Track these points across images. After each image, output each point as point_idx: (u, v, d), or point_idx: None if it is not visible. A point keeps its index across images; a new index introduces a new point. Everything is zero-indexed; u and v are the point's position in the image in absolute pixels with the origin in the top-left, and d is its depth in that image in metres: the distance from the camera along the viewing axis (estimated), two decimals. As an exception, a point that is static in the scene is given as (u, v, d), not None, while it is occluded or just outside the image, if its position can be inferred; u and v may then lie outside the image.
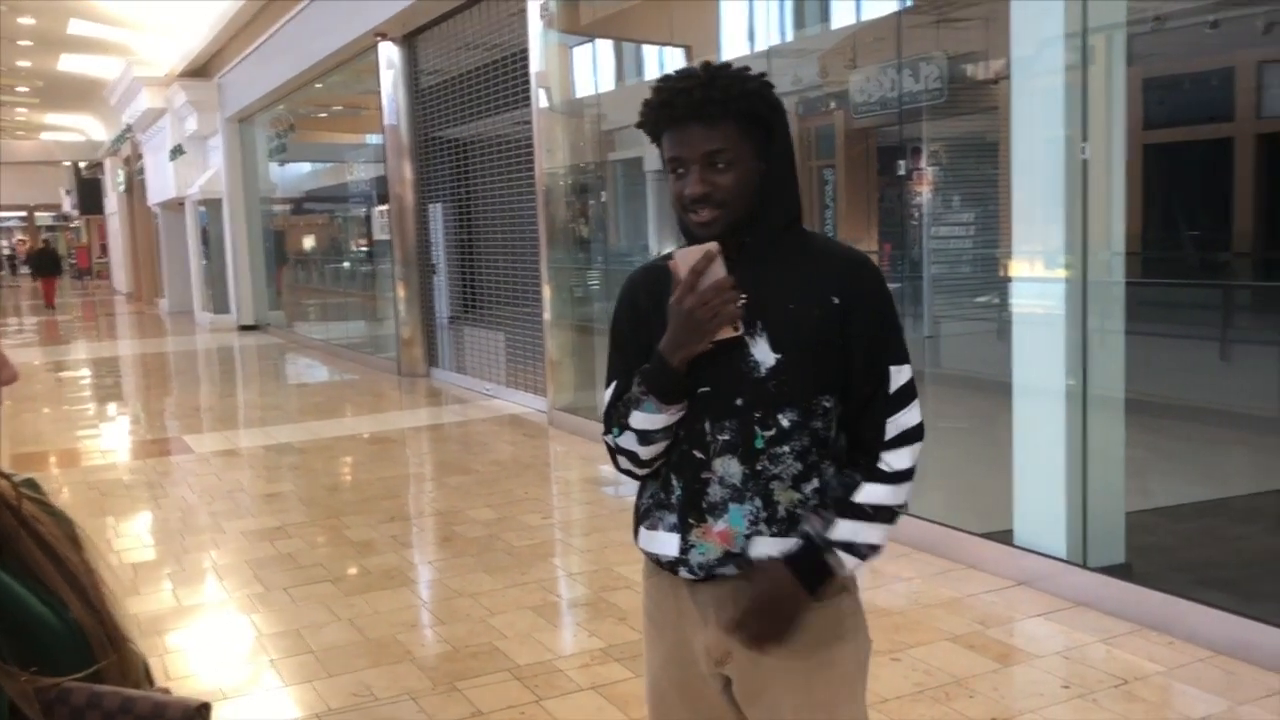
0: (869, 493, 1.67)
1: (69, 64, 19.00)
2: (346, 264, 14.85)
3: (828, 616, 1.72)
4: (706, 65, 1.64)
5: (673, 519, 1.71)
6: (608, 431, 1.75)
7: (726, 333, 1.61)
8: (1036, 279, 4.48)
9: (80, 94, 22.36)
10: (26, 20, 15.35)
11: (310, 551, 5.25)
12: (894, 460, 1.68)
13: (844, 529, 1.65)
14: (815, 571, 1.65)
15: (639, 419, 1.68)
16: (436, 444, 8.26)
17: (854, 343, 1.66)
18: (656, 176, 8.58)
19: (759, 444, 1.65)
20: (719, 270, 1.59)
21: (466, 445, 7.97)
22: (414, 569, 5.04)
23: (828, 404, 1.67)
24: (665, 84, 1.65)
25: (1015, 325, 4.61)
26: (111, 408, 10.94)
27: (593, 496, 6.42)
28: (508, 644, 3.95)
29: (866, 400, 1.68)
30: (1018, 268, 4.63)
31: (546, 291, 8.34)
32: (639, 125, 1.70)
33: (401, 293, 11.17)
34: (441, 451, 7.97)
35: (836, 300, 1.65)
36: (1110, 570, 4.14)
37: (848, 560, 1.66)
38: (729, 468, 1.67)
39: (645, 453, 1.72)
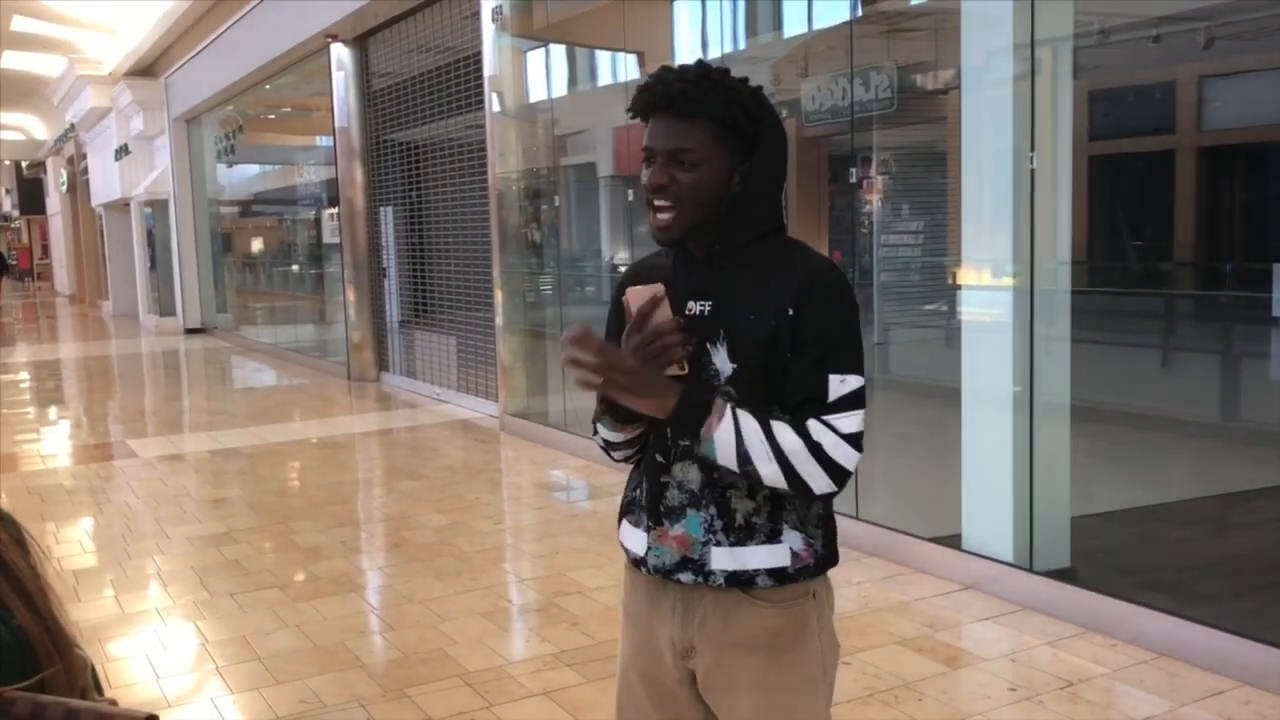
0: (780, 425, 1.58)
1: (10, 61, 18.61)
2: (295, 267, 14.68)
3: (792, 619, 1.71)
4: (702, 65, 1.65)
5: (644, 518, 1.75)
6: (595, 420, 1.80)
7: (673, 370, 1.60)
8: (985, 287, 4.54)
9: (22, 92, 21.89)
10: (-33, 16, 15.04)
11: (257, 557, 5.18)
12: (815, 434, 1.58)
13: (745, 418, 1.57)
14: (696, 407, 1.57)
15: (603, 430, 1.75)
16: (386, 449, 8.19)
17: (800, 351, 1.61)
18: (609, 182, 8.59)
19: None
20: (665, 312, 1.58)
21: (417, 450, 7.91)
22: (363, 575, 4.99)
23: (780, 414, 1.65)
24: (656, 74, 1.66)
25: (964, 332, 4.67)
26: (53, 411, 10.72)
27: (544, 502, 6.40)
28: (458, 650, 3.93)
29: (799, 405, 1.61)
30: (966, 275, 4.68)
31: (499, 296, 8.31)
32: (628, 109, 1.71)
33: (352, 296, 11.07)
34: (392, 456, 7.90)
35: (791, 311, 1.61)
36: (1055, 574, 4.20)
37: (721, 433, 1.56)
38: (688, 473, 1.68)
39: (617, 455, 1.80)
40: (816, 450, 1.58)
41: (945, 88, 7.55)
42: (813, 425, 1.59)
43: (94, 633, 4.23)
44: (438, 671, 3.73)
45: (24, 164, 31.55)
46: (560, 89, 8.28)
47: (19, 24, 15.66)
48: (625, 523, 1.81)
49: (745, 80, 1.66)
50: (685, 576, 1.68)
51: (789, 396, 1.62)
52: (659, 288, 1.59)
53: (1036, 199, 4.23)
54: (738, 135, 1.63)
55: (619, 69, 8.13)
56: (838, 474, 1.59)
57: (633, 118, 1.70)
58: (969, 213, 4.58)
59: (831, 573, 1.77)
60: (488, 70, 8.13)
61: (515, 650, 4.00)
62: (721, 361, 1.64)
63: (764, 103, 1.66)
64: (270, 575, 4.90)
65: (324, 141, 12.16)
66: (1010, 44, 4.26)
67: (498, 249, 8.26)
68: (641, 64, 7.51)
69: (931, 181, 8.67)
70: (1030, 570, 4.24)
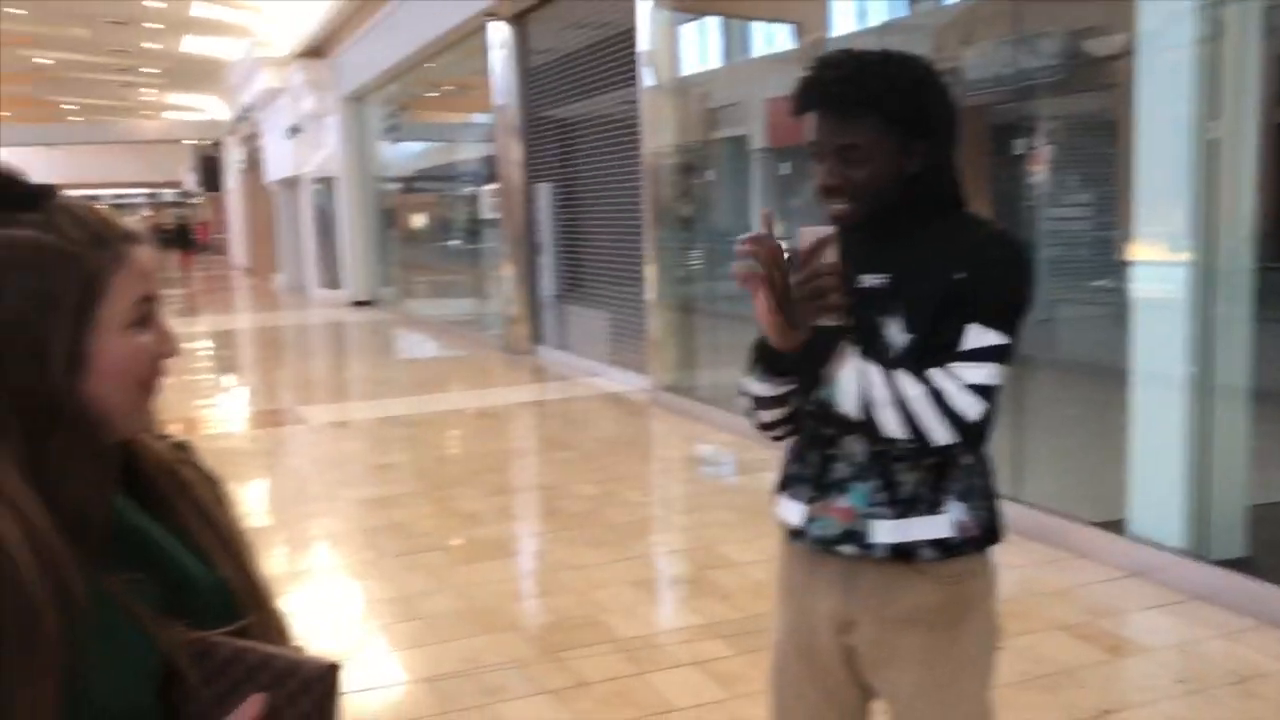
0: (901, 373, 1.57)
1: (192, 45, 19.67)
2: (455, 242, 15.11)
3: (956, 595, 1.69)
4: (860, 55, 1.59)
5: (806, 490, 1.73)
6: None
7: (828, 320, 1.57)
8: (1158, 262, 4.33)
9: (202, 74, 23.14)
10: (153, 3, 15.95)
11: (420, 521, 5.39)
12: (935, 380, 1.56)
13: (869, 365, 1.58)
14: (824, 342, 1.58)
15: (751, 383, 1.74)
16: (541, 420, 8.38)
17: (956, 309, 1.58)
18: (762, 155, 8.54)
19: None
20: (831, 255, 1.56)
21: (569, 422, 8.07)
22: (519, 540, 5.14)
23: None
24: (812, 67, 1.61)
25: (1134, 310, 4.47)
26: (229, 378, 11.36)
27: (693, 476, 6.45)
28: (610, 617, 4.01)
29: (932, 351, 1.58)
30: (1138, 251, 4.48)
31: (650, 271, 8.37)
32: (791, 107, 1.67)
33: (508, 271, 11.33)
34: (545, 427, 8.09)
35: (960, 276, 1.59)
36: (1231, 563, 4.01)
37: (845, 374, 1.57)
38: (854, 445, 1.66)
39: (764, 416, 1.77)
40: (936, 397, 1.55)
41: (1117, 53, 7.21)
42: (934, 373, 1.57)
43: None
44: (590, 637, 3.82)
45: (205, 143, 33.34)
46: (714, 61, 8.26)
47: (198, 10, 16.53)
48: (782, 496, 1.80)
49: (908, 62, 1.61)
50: (847, 549, 1.67)
51: (926, 344, 1.60)
52: (830, 230, 1.56)
53: (1217, 170, 4.01)
54: (904, 122, 1.59)
55: (773, 39, 8.06)
56: (959, 424, 1.55)
57: (794, 114, 1.66)
58: (1142, 185, 4.37)
59: (990, 554, 1.74)
60: (641, 45, 8.16)
61: (666, 620, 4.06)
62: (896, 335, 1.62)
63: (930, 85, 1.61)
64: (431, 538, 5.10)
65: (483, 119, 12.44)
66: (1192, 4, 4.03)
67: (650, 223, 8.32)
68: (798, 34, 7.41)
69: (1101, 152, 8.30)
70: (1203, 559, 4.05)
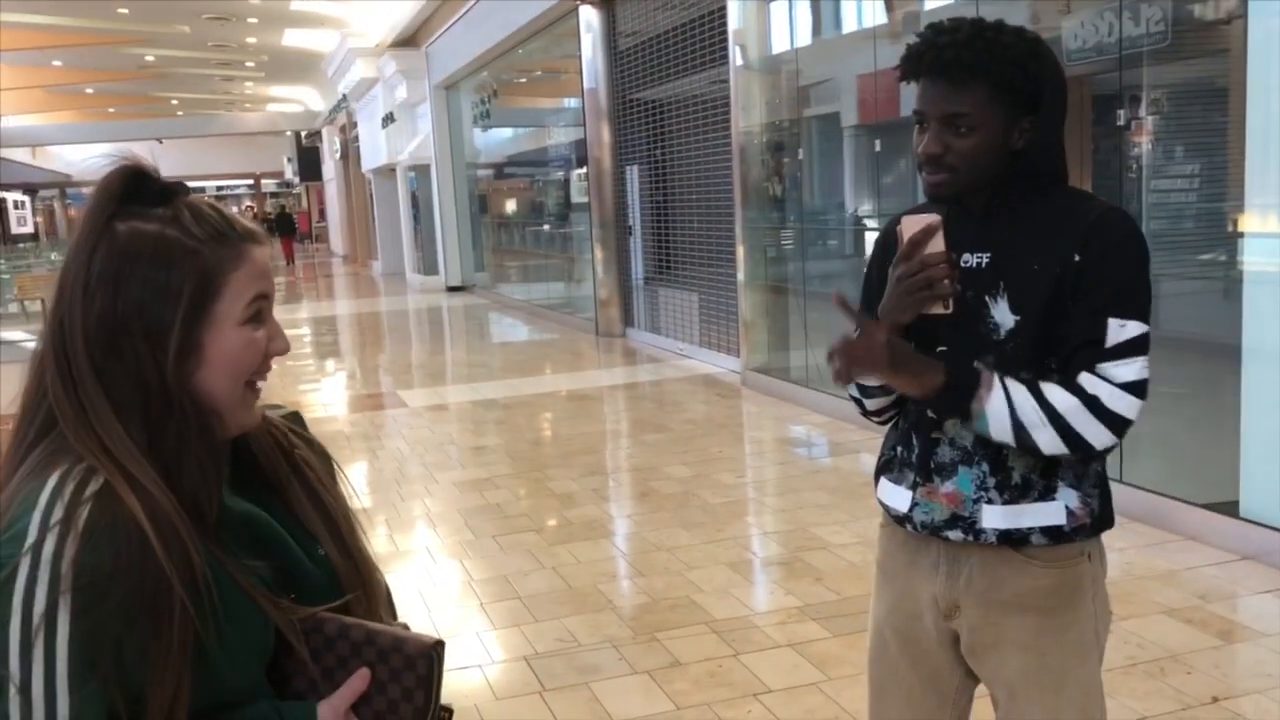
0: (1051, 387, 1.55)
1: (292, 39, 20.12)
2: (546, 226, 15.22)
3: (1065, 580, 1.66)
4: (974, 22, 1.56)
5: (911, 475, 1.71)
6: None
7: (936, 308, 1.56)
8: (1272, 234, 4.17)
9: (301, 67, 23.66)
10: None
11: (516, 502, 5.47)
12: (1089, 388, 1.54)
13: (1015, 388, 1.55)
14: (962, 384, 1.55)
15: (854, 389, 1.75)
16: (632, 402, 8.42)
17: (1081, 296, 1.55)
18: (853, 132, 8.40)
19: None
20: (938, 244, 1.54)
21: (661, 404, 8.09)
22: (613, 522, 5.18)
23: (1054, 367, 1.60)
24: (926, 33, 1.58)
25: (1246, 284, 4.31)
26: (331, 363, 11.65)
27: (786, 457, 6.42)
28: (705, 598, 4.02)
29: (1075, 352, 1.56)
30: (1250, 222, 4.31)
31: (740, 252, 8.33)
32: (897, 68, 1.64)
33: (599, 254, 11.39)
34: (637, 409, 8.12)
35: (1076, 257, 1.56)
36: (1350, 547, 3.85)
37: (993, 405, 1.54)
38: (960, 429, 1.64)
39: (870, 404, 1.78)
40: (1093, 404, 1.53)
41: (1227, 17, 6.92)
42: (1085, 379, 1.54)
43: (373, 567, 4.60)
44: (685, 618, 3.84)
45: (303, 134, 34.10)
46: (804, 38, 8.15)
47: (298, 3, 16.89)
48: (884, 480, 1.79)
49: (1022, 32, 1.58)
50: (954, 534, 1.65)
51: (1064, 343, 1.57)
52: (935, 218, 1.55)
53: (1336, 136, 3.84)
54: (1014, 94, 1.55)
55: (864, 14, 7.91)
56: (1117, 425, 1.54)
57: (902, 80, 1.63)
58: (1254, 153, 4.20)
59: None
60: (731, 24, 8.11)
61: (760, 601, 4.06)
62: (1002, 314, 1.59)
63: (1042, 57, 1.58)
64: (527, 519, 5.17)
65: (572, 103, 12.50)
66: (1307, -36, 3.85)
67: (740, 204, 8.27)
68: (889, 8, 7.28)
69: (1209, 121, 7.98)
70: (1320, 542, 3.90)
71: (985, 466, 1.63)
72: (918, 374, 1.57)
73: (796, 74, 8.10)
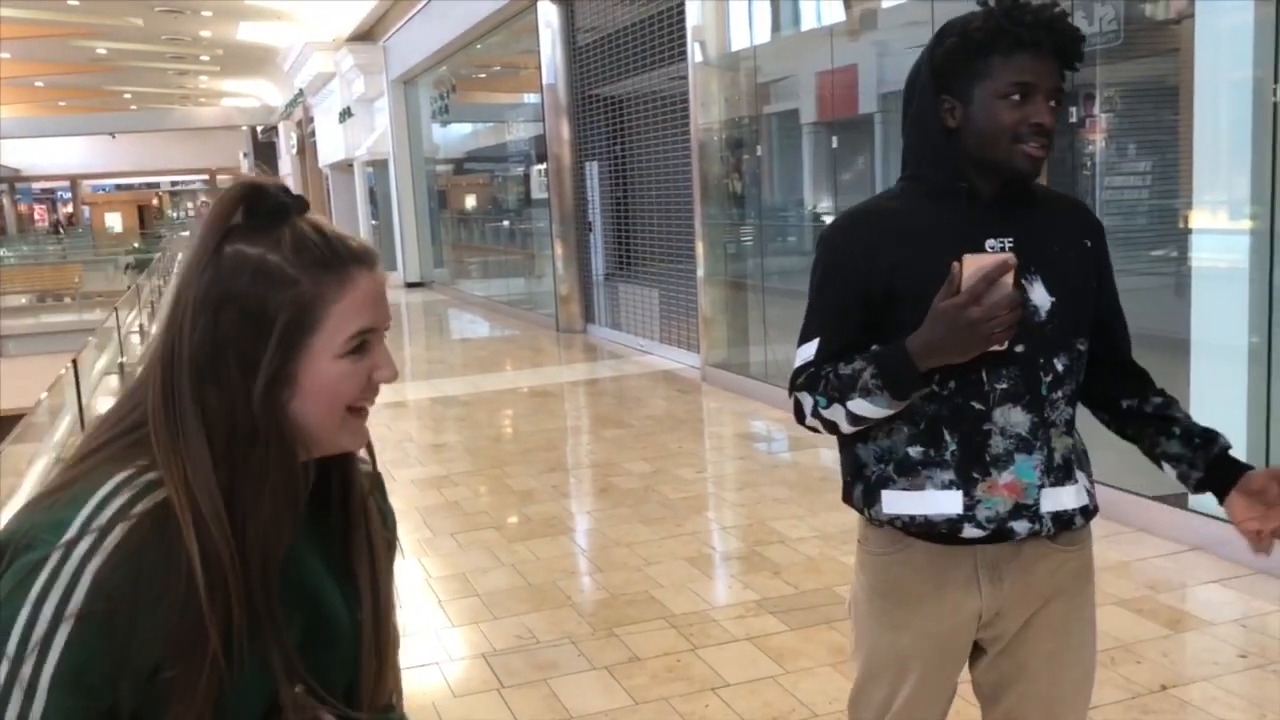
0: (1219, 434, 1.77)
1: (247, 33, 19.90)
2: (506, 222, 15.17)
3: (1085, 560, 1.73)
4: (1054, 2, 1.62)
5: (947, 475, 1.61)
6: (804, 391, 1.64)
7: (994, 348, 1.53)
8: (1219, 230, 4.25)
9: (257, 61, 23.42)
10: (208, -8, 16.16)
11: (475, 499, 5.45)
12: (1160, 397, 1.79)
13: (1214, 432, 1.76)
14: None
15: (862, 406, 1.58)
16: (593, 398, 8.42)
17: (1104, 284, 1.73)
18: (812, 129, 8.45)
19: (1043, 390, 1.61)
20: (1008, 283, 1.48)
21: (621, 400, 8.10)
22: (572, 518, 5.18)
23: (1082, 347, 1.67)
24: (1029, 6, 1.56)
25: (1194, 280, 4.39)
26: (289, 361, 11.53)
27: (745, 452, 6.45)
28: (664, 593, 4.03)
29: (1123, 337, 1.77)
30: (1199, 219, 4.39)
31: (700, 248, 8.35)
32: (956, 41, 1.58)
33: (559, 250, 11.37)
34: (598, 405, 8.12)
35: (1089, 243, 1.70)
36: (1295, 537, 3.92)
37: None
38: (1010, 417, 1.60)
39: (849, 430, 1.64)
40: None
41: (1178, 17, 7.03)
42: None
43: (330, 565, 4.57)
44: (644, 613, 3.85)
45: (259, 129, 33.79)
46: (763, 35, 8.18)
47: (253, -3, 16.72)
48: (898, 491, 1.64)
49: None
50: (1020, 525, 1.61)
51: (1112, 331, 1.76)
52: (1010, 256, 1.49)
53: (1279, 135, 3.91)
54: (1067, 72, 1.60)
55: (822, 12, 7.96)
56: None
57: (1007, 50, 1.55)
58: (1202, 151, 4.28)
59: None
60: (690, 20, 8.12)
61: (718, 596, 4.08)
62: (1040, 296, 1.61)
63: None
64: (487, 516, 5.16)
65: (532, 99, 12.46)
66: (1253, -35, 3.93)
67: (699, 200, 8.29)
68: (847, 6, 7.32)
69: (1161, 119, 8.10)
70: (1266, 533, 3.98)
71: (1045, 451, 1.62)
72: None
73: (755, 71, 8.13)
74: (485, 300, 14.91)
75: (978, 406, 1.60)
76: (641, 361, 9.45)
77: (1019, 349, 1.58)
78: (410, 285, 17.82)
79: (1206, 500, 4.23)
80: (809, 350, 1.66)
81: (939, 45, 1.61)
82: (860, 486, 1.69)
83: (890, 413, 1.58)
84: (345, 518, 1.13)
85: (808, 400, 1.64)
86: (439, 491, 5.60)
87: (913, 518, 1.63)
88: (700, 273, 8.37)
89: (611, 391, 8.55)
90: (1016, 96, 1.54)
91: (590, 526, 5.03)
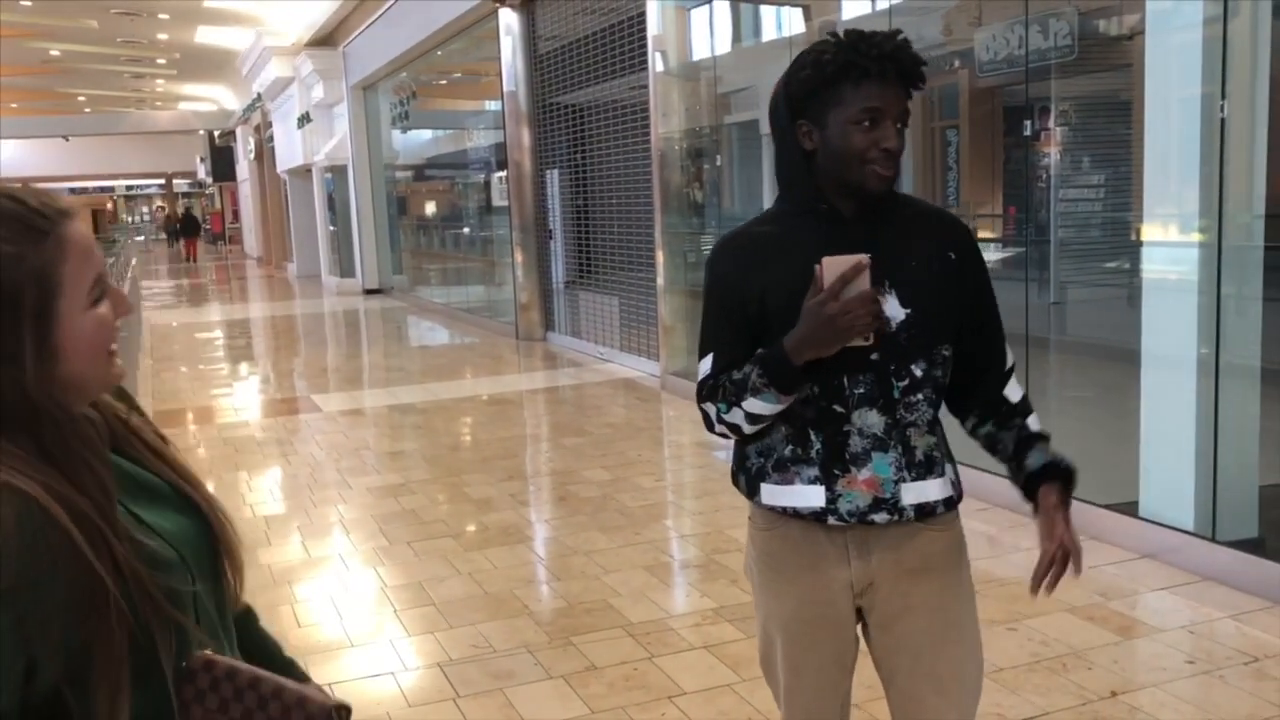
0: (1032, 422, 1.87)
1: (205, 36, 19.69)
2: (466, 229, 15.12)
3: (954, 539, 1.87)
4: (894, 31, 1.71)
5: (812, 472, 1.77)
6: (708, 401, 1.81)
7: (858, 341, 1.67)
8: (1170, 243, 4.32)
9: (214, 65, 23.17)
10: (164, -6, 15.98)
11: (432, 508, 5.41)
12: (1016, 393, 1.87)
13: (1056, 450, 1.85)
14: (1072, 483, 1.85)
15: (755, 404, 1.74)
16: (552, 406, 8.40)
17: (970, 294, 1.80)
18: (771, 140, 8.53)
19: (896, 394, 1.75)
20: (864, 282, 1.64)
21: (581, 408, 8.09)
22: (531, 527, 5.16)
23: (946, 353, 1.80)
24: (880, 39, 1.68)
25: (1146, 291, 4.45)
26: (244, 367, 11.41)
27: (704, 460, 6.46)
28: (621, 601, 4.03)
29: (989, 344, 1.85)
30: (1150, 231, 4.46)
31: (660, 257, 8.37)
32: (808, 74, 1.70)
33: (519, 258, 11.34)
34: (557, 413, 8.10)
35: (953, 255, 1.78)
36: (1242, 544, 4.00)
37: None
38: (867, 419, 1.76)
39: (749, 430, 1.80)
40: (1028, 407, 1.89)
41: (1130, 33, 7.15)
42: (1010, 377, 1.89)
43: (283, 575, 4.52)
44: (601, 621, 3.84)
45: (216, 133, 33.38)
46: (723, 46, 8.22)
47: (212, 1, 16.54)
48: (772, 485, 1.82)
49: None
50: (879, 516, 1.77)
51: (977, 339, 1.83)
52: (864, 257, 1.64)
53: (1228, 149, 3.98)
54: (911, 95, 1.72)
55: (783, 23, 8.02)
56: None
57: (823, 86, 1.69)
58: (1154, 165, 4.35)
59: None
60: (651, 30, 8.14)
61: (676, 604, 4.08)
62: (893, 309, 1.73)
63: None
64: (444, 525, 5.12)
65: (492, 106, 12.44)
66: (1202, -16, 4.00)
67: (659, 209, 8.31)
68: (807, 18, 7.38)
69: (1114, 132, 8.25)
70: (1214, 540, 4.04)
71: (899, 450, 1.76)
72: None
73: (716, 81, 8.17)
74: (444, 308, 14.83)
75: (839, 409, 1.75)
76: (601, 370, 9.44)
77: (874, 357, 1.73)
78: (369, 292, 17.70)
79: (1157, 509, 4.32)
80: (706, 365, 1.83)
81: (795, 75, 1.73)
82: (744, 477, 1.88)
83: (781, 407, 1.74)
84: (119, 436, 1.13)
85: (711, 409, 1.81)
86: (396, 500, 5.56)
87: (784, 509, 1.81)
88: (660, 281, 8.38)
89: (571, 400, 8.53)
90: (866, 123, 1.67)
91: (548, 535, 5.01)
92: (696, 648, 3.60)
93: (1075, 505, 4.73)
